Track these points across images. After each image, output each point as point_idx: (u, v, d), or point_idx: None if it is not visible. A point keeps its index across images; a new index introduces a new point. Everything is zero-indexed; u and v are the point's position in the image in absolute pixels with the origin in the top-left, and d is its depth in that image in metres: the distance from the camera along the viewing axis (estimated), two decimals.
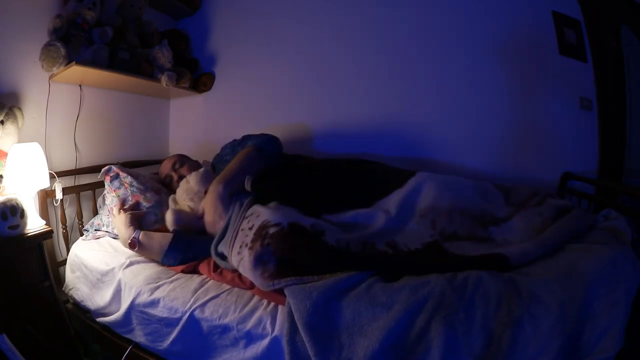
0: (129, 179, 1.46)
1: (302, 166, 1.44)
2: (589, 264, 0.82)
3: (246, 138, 1.53)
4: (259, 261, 0.95)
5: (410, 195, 1.23)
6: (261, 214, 1.07)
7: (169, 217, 1.28)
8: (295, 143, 1.96)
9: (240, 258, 1.00)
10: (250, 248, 0.98)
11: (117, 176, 1.46)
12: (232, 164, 1.32)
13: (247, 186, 1.23)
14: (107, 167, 1.49)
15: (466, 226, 1.11)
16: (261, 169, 1.32)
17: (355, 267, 0.91)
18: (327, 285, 0.85)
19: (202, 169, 1.44)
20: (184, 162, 1.65)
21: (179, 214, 1.28)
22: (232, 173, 1.28)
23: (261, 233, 0.99)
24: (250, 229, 1.04)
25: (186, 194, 1.37)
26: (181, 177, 1.54)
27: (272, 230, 0.98)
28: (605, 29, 1.68)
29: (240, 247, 1.02)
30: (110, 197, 1.44)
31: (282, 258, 0.94)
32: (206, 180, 1.36)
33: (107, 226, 1.47)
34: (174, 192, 1.48)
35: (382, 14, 1.84)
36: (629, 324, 0.75)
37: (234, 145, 1.57)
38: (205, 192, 1.30)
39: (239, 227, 1.08)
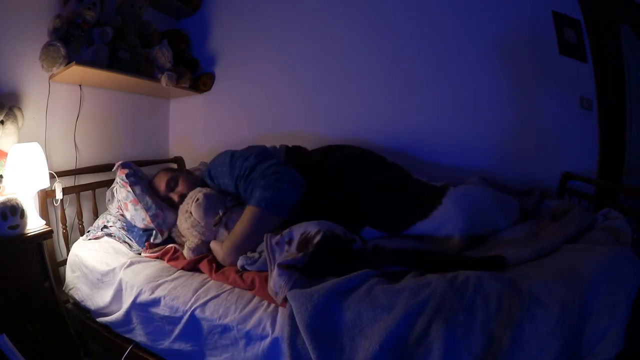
0: (145, 177, 1.48)
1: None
2: (589, 265, 0.82)
3: (250, 174, 1.22)
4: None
5: (434, 232, 1.16)
6: (294, 228, 1.05)
7: (187, 254, 1.23)
8: (296, 143, 1.96)
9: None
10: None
11: (134, 173, 1.45)
12: (239, 229, 1.15)
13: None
14: (122, 162, 1.49)
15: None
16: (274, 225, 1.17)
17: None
18: (328, 287, 0.85)
19: (201, 197, 1.26)
20: (177, 178, 1.44)
21: (197, 249, 1.22)
22: (241, 239, 1.13)
23: (306, 245, 0.99)
24: (290, 243, 1.03)
25: (194, 229, 1.25)
26: (182, 197, 1.37)
27: (316, 239, 0.99)
28: (605, 29, 1.68)
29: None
30: (125, 192, 1.39)
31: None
32: (209, 209, 1.24)
33: (115, 223, 1.45)
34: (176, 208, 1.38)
35: (382, 14, 1.84)
36: (629, 324, 0.75)
37: (236, 178, 1.26)
38: (215, 218, 1.21)
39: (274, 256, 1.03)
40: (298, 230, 1.04)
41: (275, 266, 0.94)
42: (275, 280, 0.92)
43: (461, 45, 1.72)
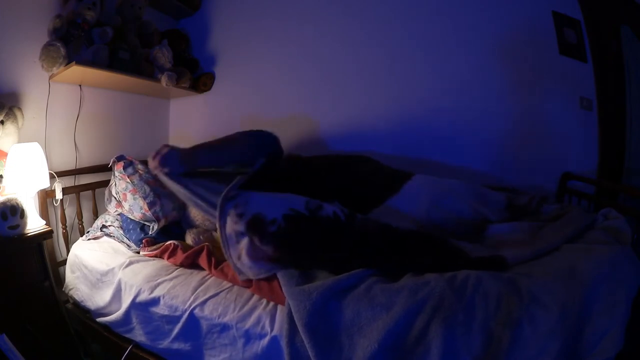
0: (142, 167, 1.48)
1: (298, 172, 1.38)
2: (589, 265, 0.82)
3: None
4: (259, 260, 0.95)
5: (405, 204, 1.22)
6: (250, 201, 0.98)
7: (189, 240, 1.33)
8: (295, 143, 1.96)
9: (240, 251, 0.98)
10: (250, 242, 0.95)
11: (130, 163, 1.47)
12: (214, 141, 1.18)
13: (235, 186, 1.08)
14: (118, 156, 1.49)
15: (461, 234, 1.11)
16: (250, 159, 1.19)
17: (352, 245, 0.92)
18: (327, 285, 0.85)
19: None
20: None
21: (197, 235, 1.32)
22: (205, 146, 1.13)
23: (257, 228, 0.93)
24: (241, 216, 0.96)
25: (199, 213, 1.41)
26: None
27: (271, 229, 0.93)
28: (605, 29, 1.68)
29: (236, 235, 0.96)
30: (124, 184, 1.41)
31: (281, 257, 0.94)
32: None
33: (113, 223, 1.46)
34: None
35: (382, 14, 1.84)
36: (629, 324, 0.75)
37: None
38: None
39: (227, 225, 0.99)
40: (252, 208, 0.97)
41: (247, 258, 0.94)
42: (245, 267, 0.94)
43: (461, 45, 1.72)
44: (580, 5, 1.62)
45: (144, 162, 1.53)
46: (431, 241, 0.98)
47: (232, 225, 0.97)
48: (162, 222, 1.36)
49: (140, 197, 1.36)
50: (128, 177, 1.41)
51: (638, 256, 0.86)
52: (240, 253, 0.96)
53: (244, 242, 0.97)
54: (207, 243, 1.22)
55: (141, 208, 1.35)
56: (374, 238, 0.96)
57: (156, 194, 1.39)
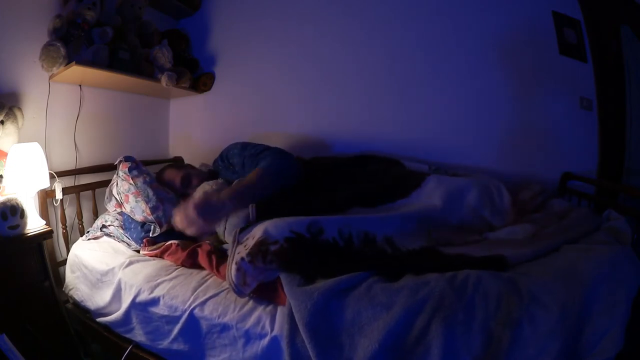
0: (146, 170, 1.47)
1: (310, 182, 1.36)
2: (589, 265, 0.82)
3: (261, 152, 1.36)
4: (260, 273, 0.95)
5: (414, 208, 1.20)
6: (256, 233, 1.00)
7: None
8: (294, 143, 1.96)
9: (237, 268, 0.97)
10: (250, 262, 0.94)
11: (136, 166, 1.45)
12: (243, 181, 1.20)
13: (252, 216, 1.10)
14: (124, 156, 1.48)
15: (462, 237, 1.11)
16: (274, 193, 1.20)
17: (354, 267, 0.91)
18: (328, 285, 0.85)
19: (201, 195, 1.34)
20: (190, 176, 1.53)
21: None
22: (243, 188, 1.14)
23: (260, 248, 0.94)
24: (246, 247, 0.98)
25: None
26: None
27: (273, 248, 0.93)
28: (605, 29, 1.68)
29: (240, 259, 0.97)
30: (127, 185, 1.39)
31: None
32: None
33: (113, 222, 1.45)
34: None
35: (382, 14, 1.84)
36: (629, 324, 0.75)
37: (245, 156, 1.39)
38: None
39: (235, 252, 1.01)
40: (256, 237, 0.99)
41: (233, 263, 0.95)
42: (234, 273, 0.95)
43: (461, 45, 1.72)
44: (580, 5, 1.62)
45: (147, 164, 1.54)
46: (429, 257, 0.99)
47: (238, 256, 0.98)
48: (165, 227, 1.35)
49: (142, 200, 1.35)
50: (132, 179, 1.40)
51: (638, 256, 0.86)
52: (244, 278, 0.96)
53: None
54: (208, 241, 1.22)
55: (143, 211, 1.34)
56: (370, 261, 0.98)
57: (159, 198, 1.37)
